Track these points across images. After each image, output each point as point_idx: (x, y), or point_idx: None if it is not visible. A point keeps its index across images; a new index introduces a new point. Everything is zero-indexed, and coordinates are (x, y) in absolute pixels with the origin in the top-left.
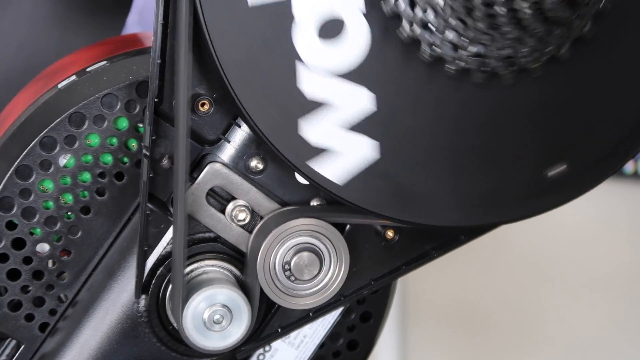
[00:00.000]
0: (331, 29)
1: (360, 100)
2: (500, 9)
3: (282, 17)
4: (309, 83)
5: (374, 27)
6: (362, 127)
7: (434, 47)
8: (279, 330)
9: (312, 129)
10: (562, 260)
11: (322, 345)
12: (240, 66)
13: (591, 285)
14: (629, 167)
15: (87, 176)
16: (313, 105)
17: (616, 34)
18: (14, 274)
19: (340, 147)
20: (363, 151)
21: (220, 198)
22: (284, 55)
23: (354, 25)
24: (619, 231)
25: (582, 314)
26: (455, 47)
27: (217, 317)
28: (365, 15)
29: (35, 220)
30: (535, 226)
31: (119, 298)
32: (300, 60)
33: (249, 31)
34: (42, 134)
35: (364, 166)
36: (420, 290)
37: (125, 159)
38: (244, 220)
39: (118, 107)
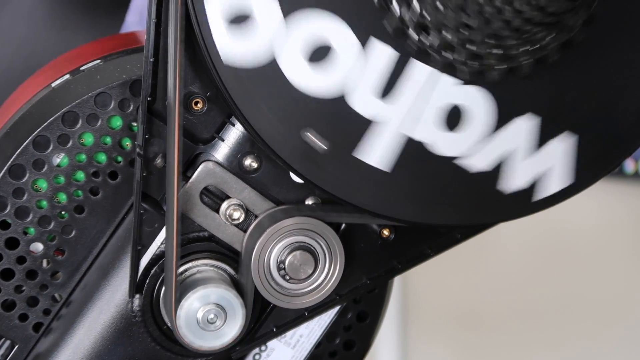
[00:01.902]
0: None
1: None
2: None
3: None
4: None
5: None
6: None
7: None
8: (274, 329)
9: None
10: (561, 260)
11: (318, 345)
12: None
13: (591, 284)
14: (630, 167)
15: (80, 175)
16: None
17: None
18: (7, 274)
19: None
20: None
21: (214, 197)
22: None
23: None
24: (619, 231)
25: (582, 313)
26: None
27: (211, 316)
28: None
29: (28, 219)
30: (535, 225)
31: (113, 298)
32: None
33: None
34: (35, 133)
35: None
36: (420, 289)
37: (119, 158)
38: (238, 219)
39: (112, 106)
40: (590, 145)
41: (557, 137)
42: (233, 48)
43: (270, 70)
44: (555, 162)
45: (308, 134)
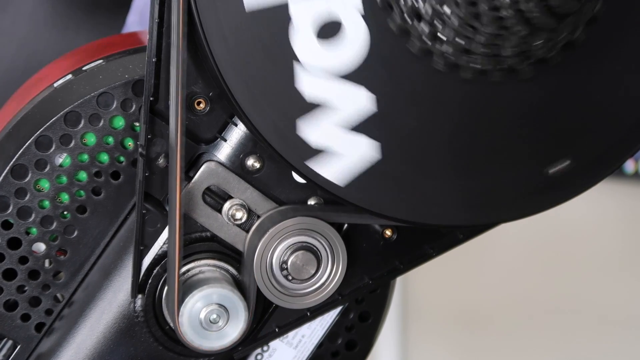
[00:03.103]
0: (329, 30)
1: (360, 101)
2: (507, 12)
3: (280, 18)
4: (308, 83)
5: (376, 31)
6: (362, 127)
7: (446, 55)
8: (277, 329)
9: (311, 130)
10: (562, 260)
11: (320, 345)
12: (237, 65)
13: (591, 284)
14: (629, 167)
15: (83, 175)
16: (312, 106)
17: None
18: (9, 274)
19: (340, 148)
20: (363, 152)
21: (216, 197)
22: (281, 55)
23: (352, 26)
24: (620, 231)
25: (582, 313)
26: (468, 52)
27: (213, 316)
28: (364, 17)
29: (31, 219)
30: (535, 226)
31: (115, 298)
32: (298, 61)
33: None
34: (37, 133)
35: (364, 167)
36: (420, 289)
37: (122, 158)
38: (240, 219)
39: (114, 105)
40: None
41: None
42: None
43: None
44: None
45: None
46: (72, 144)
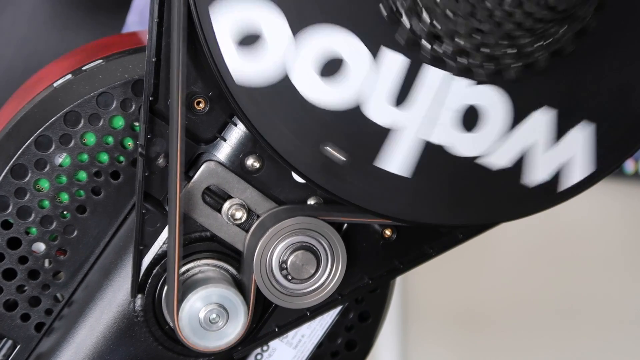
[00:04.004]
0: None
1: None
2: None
3: None
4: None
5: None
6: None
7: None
8: (276, 329)
9: None
10: (562, 260)
11: (320, 345)
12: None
13: (591, 284)
14: (629, 167)
15: (82, 175)
16: None
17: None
18: (9, 274)
19: None
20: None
21: (216, 197)
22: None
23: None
24: (620, 231)
25: (582, 313)
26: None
27: (213, 316)
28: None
29: (30, 219)
30: (535, 225)
31: (115, 297)
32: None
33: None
34: (37, 132)
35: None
36: (420, 289)
37: (121, 158)
38: (240, 219)
39: (114, 105)
40: (609, 132)
41: (575, 127)
42: (245, 68)
43: (284, 87)
44: (575, 151)
45: (327, 147)
46: (71, 144)
